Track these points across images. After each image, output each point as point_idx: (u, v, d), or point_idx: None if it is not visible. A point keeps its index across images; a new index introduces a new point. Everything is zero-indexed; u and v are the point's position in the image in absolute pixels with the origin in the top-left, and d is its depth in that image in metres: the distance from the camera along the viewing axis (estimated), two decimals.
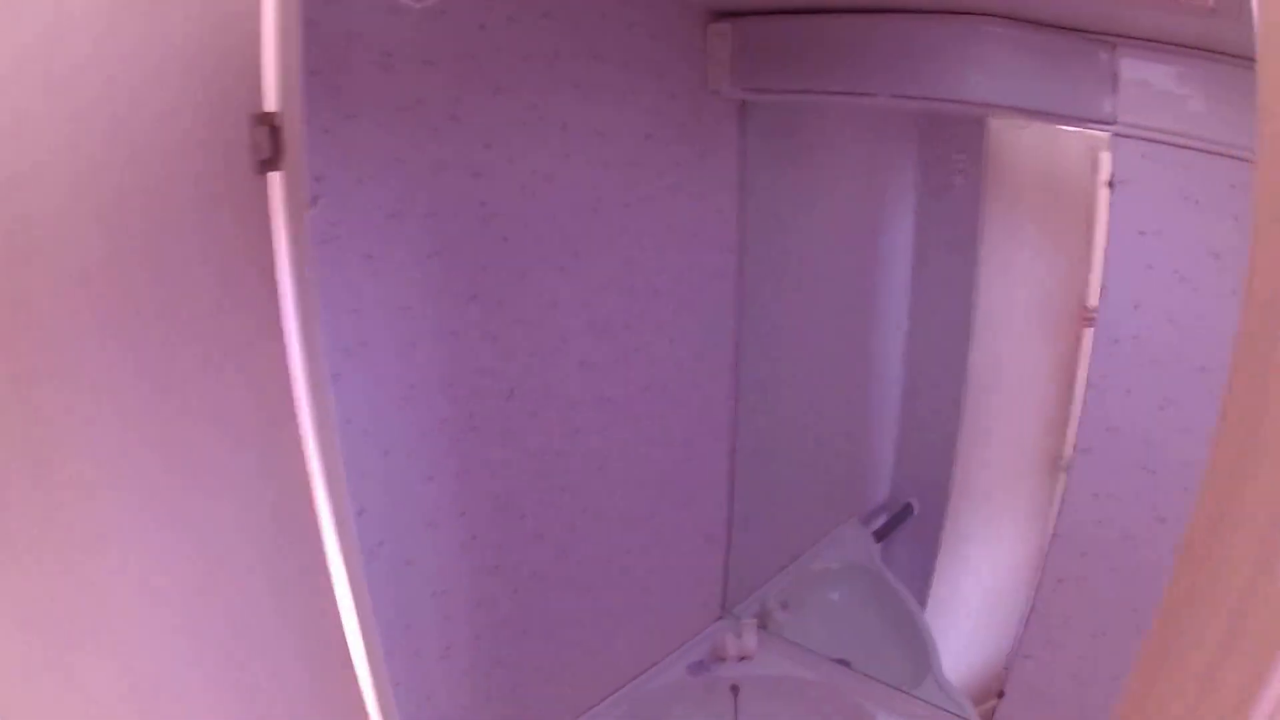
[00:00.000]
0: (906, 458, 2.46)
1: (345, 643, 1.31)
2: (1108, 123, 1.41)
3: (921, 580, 2.39)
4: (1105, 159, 2.45)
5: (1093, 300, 1.48)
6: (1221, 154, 1.34)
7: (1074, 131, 2.16)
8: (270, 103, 0.95)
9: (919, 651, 2.05)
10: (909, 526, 2.41)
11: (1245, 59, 1.31)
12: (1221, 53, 1.32)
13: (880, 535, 2.37)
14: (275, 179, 1.03)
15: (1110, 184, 1.43)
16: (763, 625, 2.05)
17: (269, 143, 0.95)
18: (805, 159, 2.05)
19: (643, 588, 1.85)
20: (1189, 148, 1.36)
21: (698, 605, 2.06)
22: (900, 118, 2.32)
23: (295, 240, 1.08)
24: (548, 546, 1.58)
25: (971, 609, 2.47)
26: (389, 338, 1.24)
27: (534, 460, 1.50)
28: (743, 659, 1.99)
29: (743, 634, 1.99)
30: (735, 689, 1.91)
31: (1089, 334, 2.13)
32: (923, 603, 2.27)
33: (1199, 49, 1.33)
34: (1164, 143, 1.37)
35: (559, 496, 1.57)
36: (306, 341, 1.11)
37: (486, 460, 1.42)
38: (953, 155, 2.30)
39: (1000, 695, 1.76)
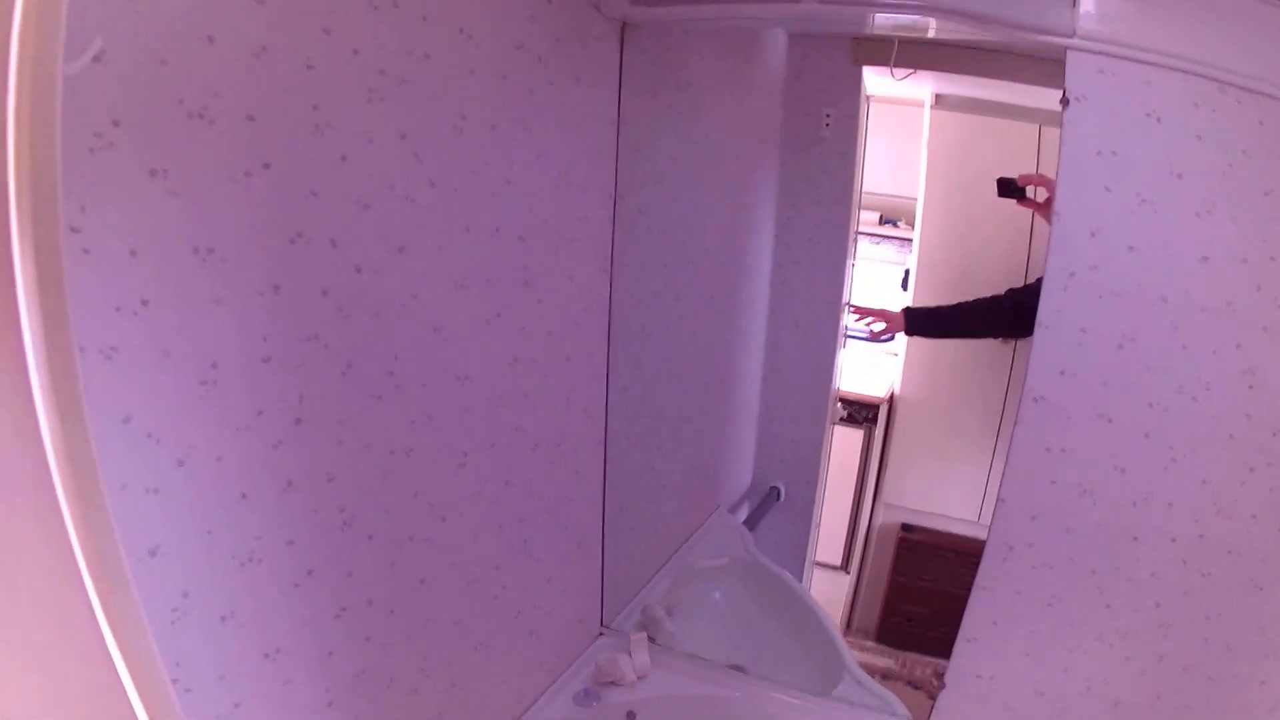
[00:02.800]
0: (769, 440, 2.30)
1: None
2: (1065, 34, 1.24)
3: (795, 566, 2.24)
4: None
5: None
6: (1184, 70, 1.23)
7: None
8: None
9: (825, 647, 1.84)
10: (776, 512, 2.25)
11: None
12: None
13: (749, 524, 2.17)
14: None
15: (1064, 100, 1.27)
16: (651, 638, 1.77)
17: None
18: (682, 101, 1.79)
19: (515, 610, 1.51)
20: (1151, 63, 1.23)
21: (576, 622, 1.74)
22: (770, 64, 2.14)
23: (36, 124, 0.68)
24: (402, 573, 1.21)
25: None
26: (183, 292, 0.84)
27: (379, 459, 1.13)
28: (636, 679, 1.70)
29: (634, 652, 1.69)
30: (631, 716, 1.62)
31: None
32: None
33: None
34: (1124, 58, 1.24)
35: (412, 505, 1.21)
36: (45, 299, 0.72)
37: (319, 463, 1.04)
38: (822, 109, 2.14)
39: (940, 685, 1.58)
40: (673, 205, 1.81)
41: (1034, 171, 1.83)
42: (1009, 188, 1.81)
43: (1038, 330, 1.33)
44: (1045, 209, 1.77)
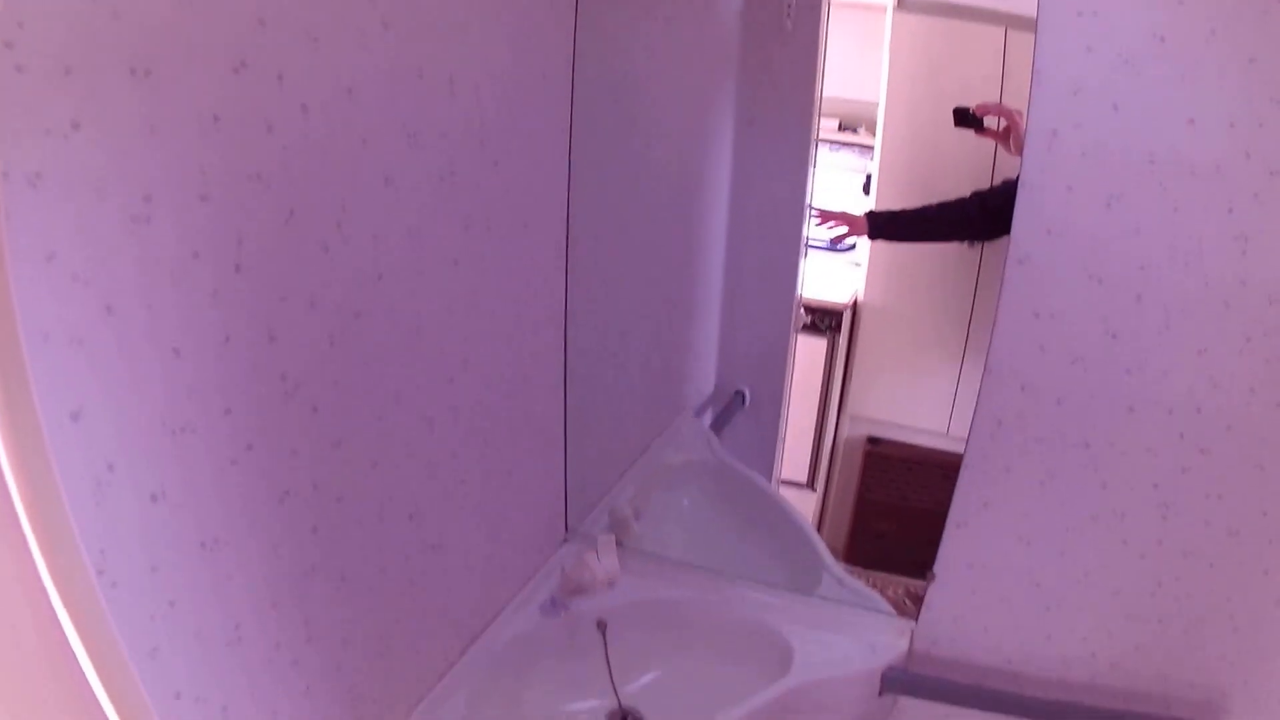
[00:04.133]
0: (732, 344, 2.30)
1: (62, 646, 0.86)
2: None
3: (763, 473, 2.25)
4: None
5: None
6: None
7: None
8: None
9: (802, 547, 1.85)
10: (741, 417, 2.26)
11: None
12: None
13: (714, 429, 2.18)
14: None
15: None
16: (618, 542, 1.76)
17: None
18: None
19: (475, 506, 1.48)
20: None
21: (540, 525, 1.72)
22: None
23: None
24: (351, 454, 1.17)
25: None
26: (116, 116, 0.79)
27: (325, 321, 1.09)
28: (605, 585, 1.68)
29: (602, 555, 1.68)
30: (602, 625, 1.61)
31: None
32: None
33: None
34: None
35: (362, 376, 1.17)
36: None
37: (260, 319, 0.99)
38: None
39: (930, 577, 1.59)
40: (627, 102, 1.79)
41: (996, 99, 1.85)
42: (966, 118, 1.83)
43: (1021, 190, 1.33)
44: (1004, 139, 1.79)
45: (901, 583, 2.31)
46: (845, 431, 2.40)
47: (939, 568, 1.58)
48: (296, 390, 1.06)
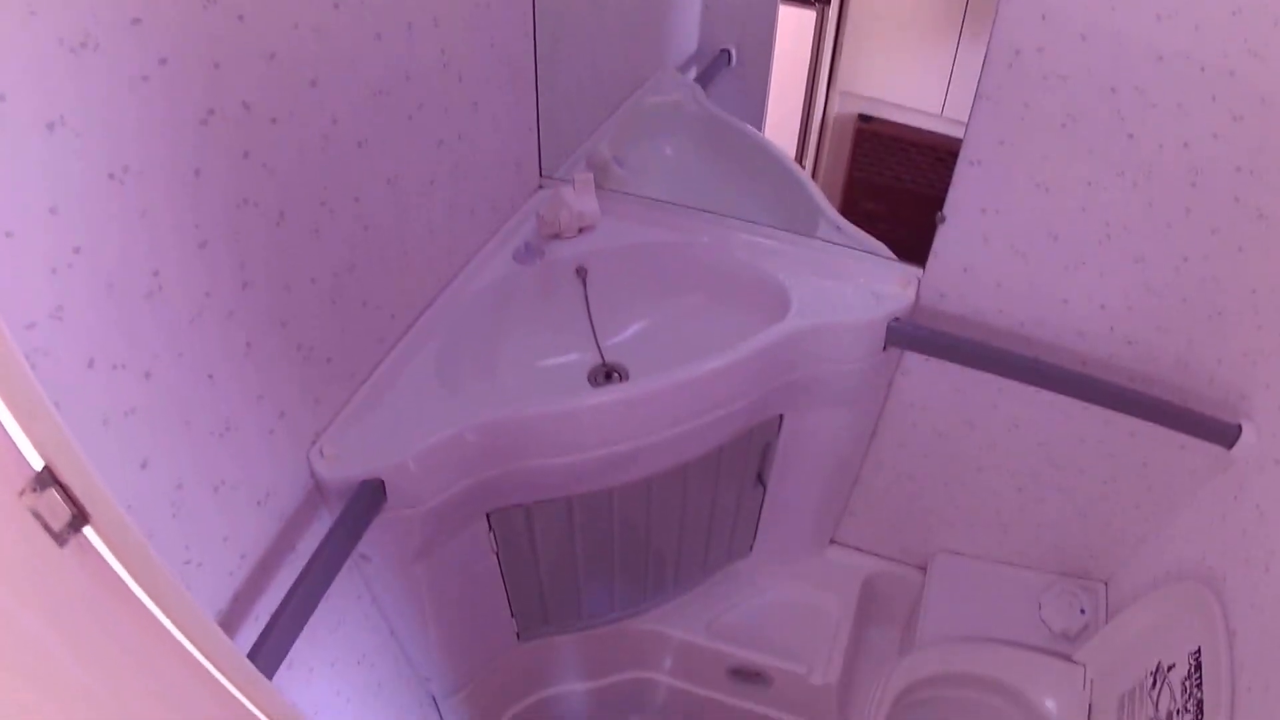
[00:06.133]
0: (715, 4, 2.18)
1: None
2: None
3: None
4: None
5: None
6: None
7: None
8: None
9: (796, 194, 1.80)
10: (727, 76, 2.17)
11: None
12: None
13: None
14: None
15: None
16: (598, 185, 1.70)
17: None
18: None
19: (436, 138, 1.41)
20: None
21: (510, 167, 1.65)
22: None
23: None
24: (285, 69, 1.08)
25: None
26: None
27: None
28: (582, 230, 1.63)
29: (580, 193, 1.62)
30: (582, 272, 1.58)
31: None
32: None
33: None
34: None
35: None
36: None
37: None
38: None
39: (939, 218, 1.55)
40: None
41: None
42: None
43: None
44: None
45: None
46: (835, 108, 2.32)
47: (949, 209, 1.53)
48: None
